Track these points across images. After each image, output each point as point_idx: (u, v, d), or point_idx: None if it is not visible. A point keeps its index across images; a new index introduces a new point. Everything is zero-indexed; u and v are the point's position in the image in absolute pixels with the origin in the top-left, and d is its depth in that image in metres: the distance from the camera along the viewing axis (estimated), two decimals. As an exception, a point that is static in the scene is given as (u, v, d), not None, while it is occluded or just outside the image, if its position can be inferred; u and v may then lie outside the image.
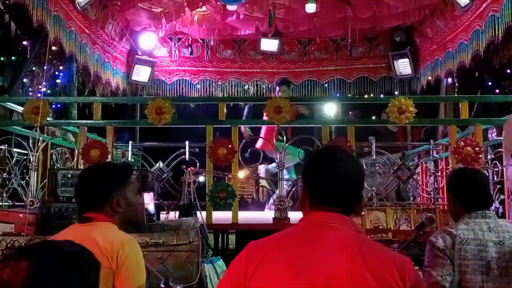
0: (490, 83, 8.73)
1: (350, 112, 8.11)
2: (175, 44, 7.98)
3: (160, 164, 4.57)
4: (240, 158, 4.65)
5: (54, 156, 5.11)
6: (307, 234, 1.47)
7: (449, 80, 7.53)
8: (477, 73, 8.57)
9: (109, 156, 4.62)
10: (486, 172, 4.58)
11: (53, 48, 5.77)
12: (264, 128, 6.02)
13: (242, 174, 6.26)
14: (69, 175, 3.59)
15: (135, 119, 7.41)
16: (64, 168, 4.96)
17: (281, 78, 7.13)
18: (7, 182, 4.70)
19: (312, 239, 1.45)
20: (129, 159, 5.72)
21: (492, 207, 4.16)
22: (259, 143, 5.67)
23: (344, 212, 1.50)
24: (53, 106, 7.57)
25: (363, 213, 1.55)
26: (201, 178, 5.03)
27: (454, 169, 2.59)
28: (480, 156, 4.54)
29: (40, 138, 4.73)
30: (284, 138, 4.93)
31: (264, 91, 8.04)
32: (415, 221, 4.27)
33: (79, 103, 8.20)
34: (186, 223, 3.52)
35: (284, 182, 4.86)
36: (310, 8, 6.23)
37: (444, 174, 5.10)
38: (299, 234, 1.49)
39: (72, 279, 1.00)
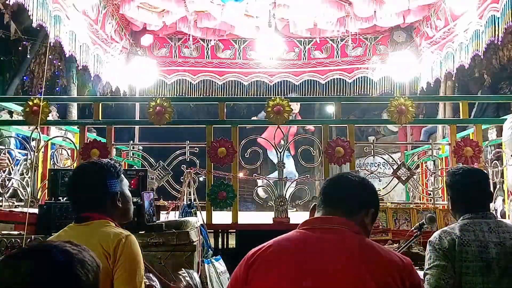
0: (489, 83, 8.72)
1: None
2: (175, 44, 7.98)
3: (160, 164, 4.57)
4: (240, 158, 4.66)
5: (54, 156, 5.11)
6: (306, 238, 1.47)
7: (449, 80, 7.54)
8: (477, 73, 8.58)
9: (109, 156, 4.62)
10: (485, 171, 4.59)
11: (53, 48, 5.76)
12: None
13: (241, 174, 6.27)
14: (68, 176, 3.58)
15: (135, 119, 7.40)
16: (64, 168, 4.96)
17: None
18: (7, 182, 4.70)
19: (312, 242, 1.45)
20: (129, 159, 5.73)
21: (492, 207, 4.18)
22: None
23: (344, 214, 1.51)
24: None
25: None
26: (201, 178, 5.02)
27: (452, 168, 2.55)
28: (480, 156, 4.54)
29: (40, 138, 4.73)
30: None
31: (264, 91, 8.04)
32: (415, 221, 4.27)
33: (79, 103, 8.23)
34: (186, 223, 3.52)
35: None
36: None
37: (444, 174, 5.10)
38: (298, 238, 1.49)
39: (73, 281, 1.00)
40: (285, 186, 4.78)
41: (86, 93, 9.36)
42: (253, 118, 7.14)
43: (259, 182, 5.85)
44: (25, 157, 4.91)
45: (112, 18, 6.66)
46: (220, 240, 5.38)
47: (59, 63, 9.19)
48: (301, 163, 5.08)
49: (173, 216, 4.15)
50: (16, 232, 3.57)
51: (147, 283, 2.16)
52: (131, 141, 5.45)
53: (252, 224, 4.70)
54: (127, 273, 1.85)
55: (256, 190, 5.75)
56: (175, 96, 7.78)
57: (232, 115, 7.51)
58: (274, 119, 4.71)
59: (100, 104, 5.02)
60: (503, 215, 4.77)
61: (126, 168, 5.57)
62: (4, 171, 4.74)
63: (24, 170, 4.92)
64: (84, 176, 2.05)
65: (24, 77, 9.38)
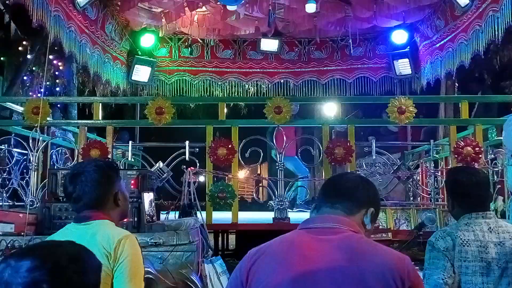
0: (490, 83, 8.73)
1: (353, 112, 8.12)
2: (175, 44, 7.97)
3: (160, 164, 4.57)
4: (240, 158, 4.66)
5: (54, 156, 5.11)
6: (306, 238, 1.47)
7: (449, 80, 7.54)
8: (477, 73, 8.58)
9: (109, 156, 4.62)
10: (486, 171, 4.59)
11: (53, 48, 5.76)
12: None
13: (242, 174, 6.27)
14: (65, 175, 3.57)
15: (135, 119, 7.41)
16: (64, 168, 4.96)
17: None
18: (7, 182, 4.70)
19: (311, 243, 1.45)
20: (129, 159, 5.73)
21: (492, 207, 4.18)
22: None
23: (344, 213, 1.51)
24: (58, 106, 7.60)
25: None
26: (201, 178, 5.02)
27: (452, 168, 2.55)
28: (480, 156, 4.54)
29: (40, 138, 4.72)
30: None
31: (264, 91, 8.03)
32: (415, 221, 4.27)
33: (79, 103, 8.23)
34: (186, 223, 3.52)
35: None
36: (310, 8, 6.23)
37: (444, 174, 5.11)
38: (298, 238, 1.49)
39: (74, 281, 1.00)
40: (287, 186, 4.78)
41: (86, 93, 9.37)
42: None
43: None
44: (25, 157, 4.92)
45: (112, 18, 6.66)
46: (220, 240, 5.38)
47: (59, 63, 9.19)
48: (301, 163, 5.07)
49: (173, 216, 4.15)
50: (16, 232, 3.57)
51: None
52: (131, 141, 5.45)
53: (252, 224, 4.70)
54: (127, 272, 1.85)
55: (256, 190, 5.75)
56: (175, 96, 7.78)
57: (232, 115, 7.52)
58: (274, 119, 4.71)
59: (100, 104, 5.01)
60: (503, 215, 4.77)
61: (126, 168, 5.57)
62: (4, 171, 4.74)
63: (24, 170, 4.93)
64: (84, 174, 2.01)
65: (24, 77, 9.39)
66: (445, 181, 2.51)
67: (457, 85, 8.30)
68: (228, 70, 8.01)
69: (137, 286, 1.87)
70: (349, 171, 4.58)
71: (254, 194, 5.99)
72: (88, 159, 2.15)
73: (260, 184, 5.84)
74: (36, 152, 4.66)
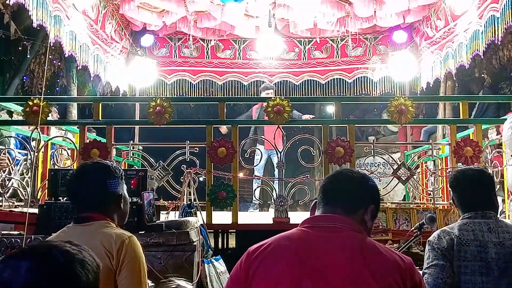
0: (490, 83, 8.73)
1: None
2: (175, 44, 7.98)
3: (160, 164, 4.57)
4: (240, 158, 4.66)
5: (54, 156, 5.10)
6: (307, 236, 1.47)
7: (449, 80, 7.54)
8: (477, 73, 8.58)
9: (109, 156, 4.62)
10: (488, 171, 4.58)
11: (53, 48, 5.75)
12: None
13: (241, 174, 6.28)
14: (69, 175, 3.57)
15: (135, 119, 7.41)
16: (64, 168, 4.96)
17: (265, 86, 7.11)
18: (7, 182, 4.70)
19: (312, 241, 1.45)
20: (129, 159, 5.73)
21: (500, 209, 4.17)
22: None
23: (345, 212, 1.51)
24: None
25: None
26: (201, 178, 5.02)
27: (455, 169, 2.55)
28: (480, 156, 4.54)
29: (40, 138, 4.72)
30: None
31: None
32: (415, 221, 4.27)
33: (79, 103, 8.22)
34: (186, 223, 3.52)
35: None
36: None
37: (444, 174, 5.11)
38: (299, 236, 1.49)
39: (73, 281, 1.00)
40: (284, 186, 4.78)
41: (86, 93, 9.37)
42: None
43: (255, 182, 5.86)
44: (25, 157, 4.91)
45: (112, 18, 6.66)
46: (220, 240, 5.38)
47: (59, 63, 9.19)
48: (301, 163, 5.07)
49: (173, 216, 4.15)
50: (16, 232, 3.57)
51: None
52: (131, 141, 5.45)
53: (252, 224, 4.70)
54: (133, 275, 1.86)
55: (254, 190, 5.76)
56: (175, 96, 7.78)
57: (232, 115, 7.52)
58: (274, 119, 4.71)
59: (100, 104, 5.01)
60: (501, 215, 4.77)
61: (126, 168, 5.57)
62: (4, 171, 4.74)
63: (24, 170, 4.92)
64: (89, 176, 2.02)
65: (24, 77, 9.38)
66: (448, 182, 2.51)
67: (457, 85, 8.30)
68: (228, 70, 8.02)
69: (143, 287, 1.89)
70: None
71: (253, 195, 5.98)
72: (94, 161, 2.14)
73: (260, 184, 5.83)
74: (36, 152, 4.65)
